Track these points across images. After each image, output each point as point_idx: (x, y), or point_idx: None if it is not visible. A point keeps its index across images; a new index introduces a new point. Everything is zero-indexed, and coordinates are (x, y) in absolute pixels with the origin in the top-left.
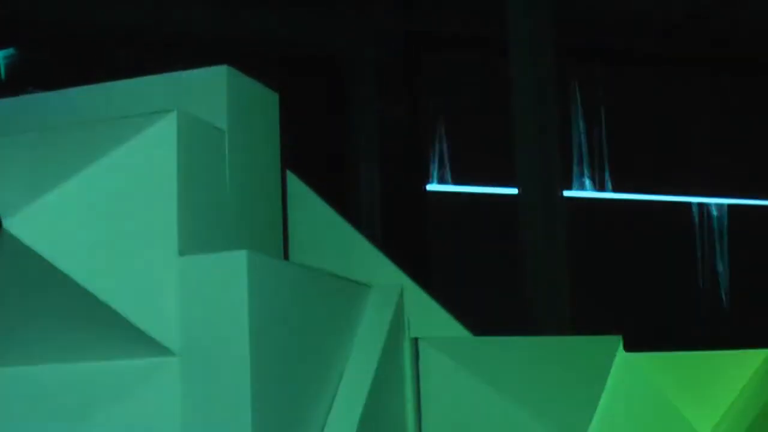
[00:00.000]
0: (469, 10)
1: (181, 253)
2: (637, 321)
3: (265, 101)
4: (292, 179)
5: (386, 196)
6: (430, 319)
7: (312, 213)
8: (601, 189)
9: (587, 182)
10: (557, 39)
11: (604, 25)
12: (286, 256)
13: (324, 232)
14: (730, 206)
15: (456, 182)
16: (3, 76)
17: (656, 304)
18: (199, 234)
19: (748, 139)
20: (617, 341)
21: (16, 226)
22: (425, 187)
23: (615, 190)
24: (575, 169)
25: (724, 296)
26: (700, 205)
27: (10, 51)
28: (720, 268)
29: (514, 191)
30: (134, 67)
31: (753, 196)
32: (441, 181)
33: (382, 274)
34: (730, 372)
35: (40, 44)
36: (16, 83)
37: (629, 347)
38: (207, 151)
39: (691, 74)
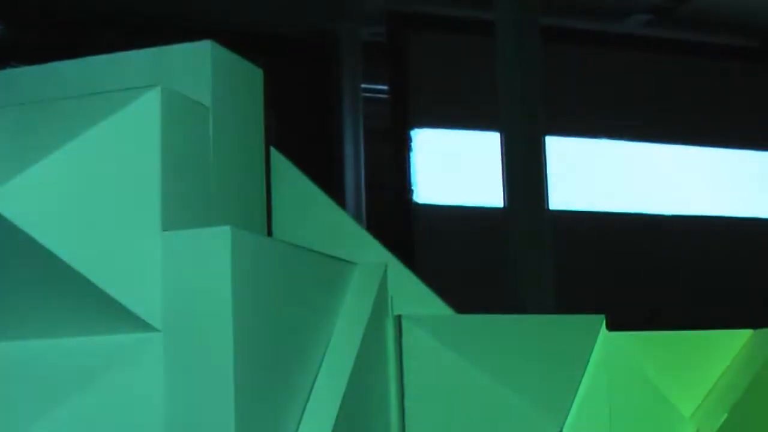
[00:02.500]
0: None
1: (164, 228)
2: (622, 307)
3: (250, 77)
4: (276, 156)
5: (371, 174)
6: (414, 296)
7: (296, 190)
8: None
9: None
10: (544, 20)
11: (588, 7)
12: (269, 233)
13: (308, 209)
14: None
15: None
16: None
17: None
18: (183, 210)
19: (731, 121)
20: (600, 320)
21: None
22: (410, 167)
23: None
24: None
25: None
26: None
27: None
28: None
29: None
30: (117, 46)
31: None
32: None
33: (366, 252)
34: (714, 352)
35: (25, 22)
36: None
37: (613, 328)
38: (191, 127)
39: (674, 58)
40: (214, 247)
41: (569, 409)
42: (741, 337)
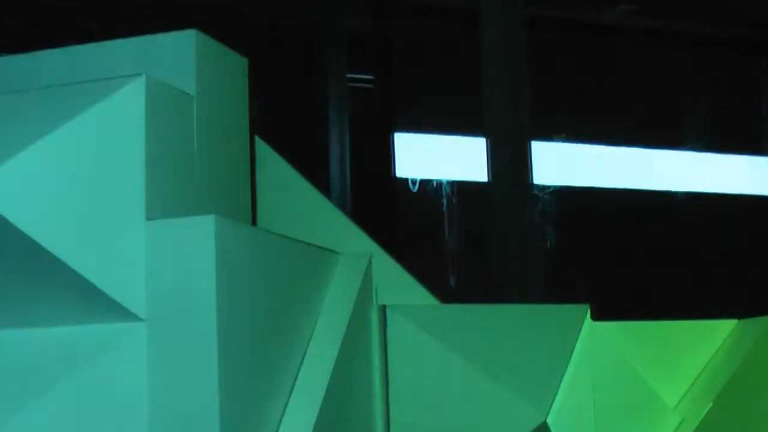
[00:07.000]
0: None
1: (149, 217)
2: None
3: (234, 66)
4: (261, 145)
5: (356, 162)
6: (399, 286)
7: (280, 179)
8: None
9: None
10: (529, 8)
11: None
12: (254, 222)
13: (292, 198)
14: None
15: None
16: None
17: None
18: (167, 199)
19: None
20: (585, 310)
21: None
22: (395, 154)
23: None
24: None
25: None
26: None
27: None
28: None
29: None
30: (103, 35)
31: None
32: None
33: (351, 242)
34: (698, 342)
35: (8, 11)
36: None
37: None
38: (175, 116)
39: (663, 47)
40: (198, 236)
41: (554, 399)
42: (726, 327)
